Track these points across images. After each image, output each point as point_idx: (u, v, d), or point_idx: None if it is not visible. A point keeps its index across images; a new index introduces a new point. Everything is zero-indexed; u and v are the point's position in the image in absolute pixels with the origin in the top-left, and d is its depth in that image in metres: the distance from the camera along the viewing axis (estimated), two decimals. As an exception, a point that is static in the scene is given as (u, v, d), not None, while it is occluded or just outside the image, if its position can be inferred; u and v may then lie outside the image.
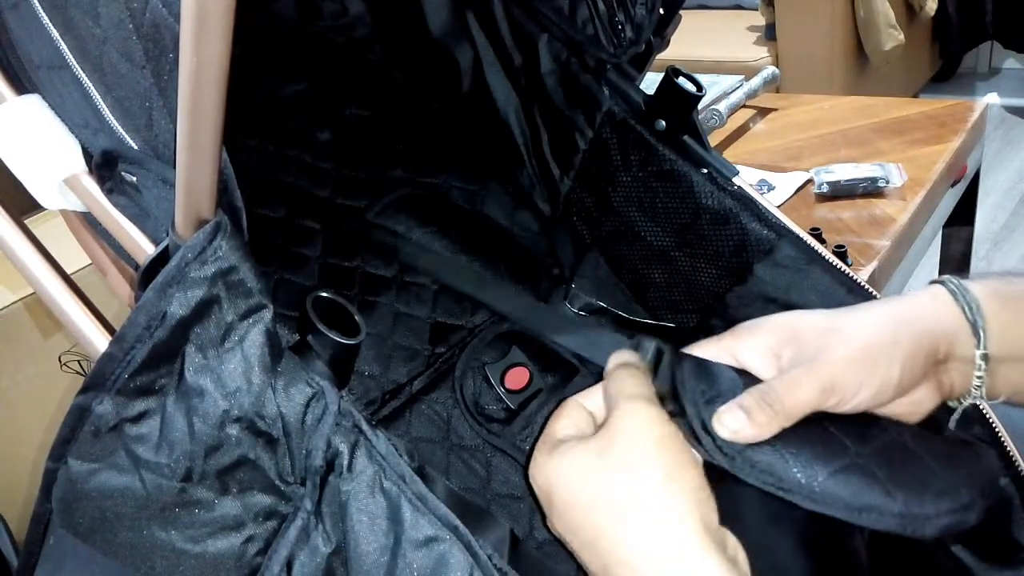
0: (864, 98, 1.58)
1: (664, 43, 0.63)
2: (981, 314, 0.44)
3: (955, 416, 0.47)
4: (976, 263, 1.79)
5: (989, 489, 0.42)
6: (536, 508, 0.65)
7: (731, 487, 0.42)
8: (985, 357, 0.44)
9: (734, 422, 0.40)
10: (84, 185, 0.45)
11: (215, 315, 0.39)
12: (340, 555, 0.38)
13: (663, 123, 0.61)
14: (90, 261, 0.55)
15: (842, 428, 0.42)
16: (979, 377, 0.45)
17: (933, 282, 0.46)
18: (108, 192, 0.45)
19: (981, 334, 0.44)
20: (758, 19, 2.48)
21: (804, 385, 0.41)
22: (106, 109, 0.41)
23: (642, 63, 0.64)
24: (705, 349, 0.45)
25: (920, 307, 0.45)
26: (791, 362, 0.43)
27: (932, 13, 2.57)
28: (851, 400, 0.42)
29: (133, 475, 0.40)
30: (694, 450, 0.41)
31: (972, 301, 0.44)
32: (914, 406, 0.45)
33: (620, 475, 0.38)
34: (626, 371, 0.43)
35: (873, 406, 0.43)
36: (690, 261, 0.62)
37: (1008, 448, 0.52)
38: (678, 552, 0.36)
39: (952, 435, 0.47)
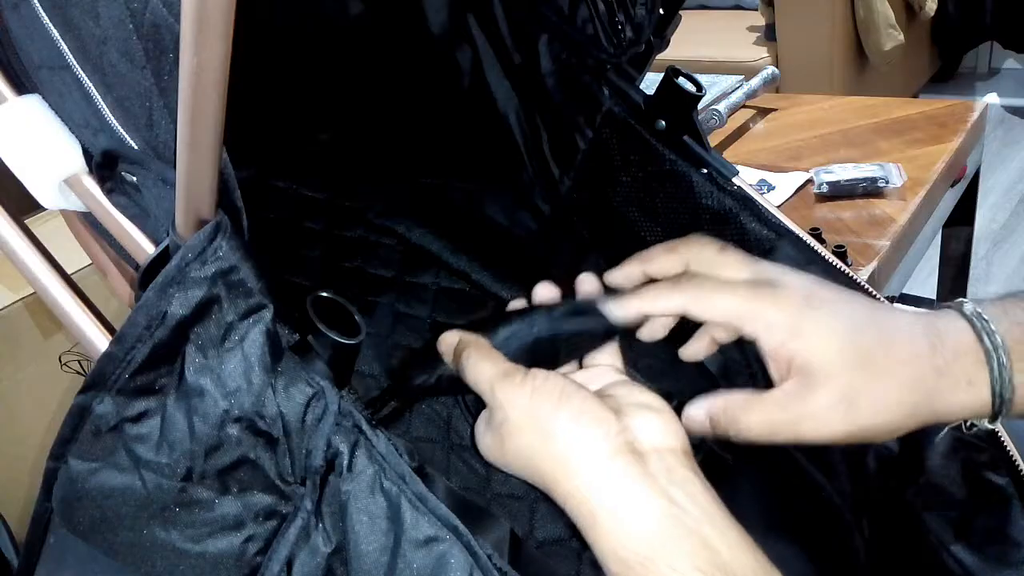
0: (864, 98, 1.59)
1: (664, 43, 0.63)
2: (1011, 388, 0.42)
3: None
4: (976, 263, 1.79)
5: None
6: (534, 508, 0.65)
7: (732, 487, 0.42)
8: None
9: None
10: (84, 185, 0.45)
11: (215, 315, 0.39)
12: (340, 555, 0.38)
13: (663, 123, 0.61)
14: (90, 261, 0.55)
15: None
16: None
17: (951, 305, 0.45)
18: (108, 192, 0.45)
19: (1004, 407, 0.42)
20: (758, 19, 2.48)
21: None
22: (106, 109, 0.41)
23: (642, 63, 0.64)
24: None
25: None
26: None
27: (932, 13, 2.58)
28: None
29: (133, 475, 0.40)
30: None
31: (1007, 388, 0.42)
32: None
33: (520, 448, 0.42)
34: (473, 352, 0.45)
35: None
36: (690, 261, 0.62)
37: (1008, 448, 0.52)
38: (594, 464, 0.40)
39: None
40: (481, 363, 0.44)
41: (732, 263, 0.47)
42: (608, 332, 0.49)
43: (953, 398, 0.42)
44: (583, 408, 0.41)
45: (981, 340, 0.42)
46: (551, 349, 0.48)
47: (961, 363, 0.42)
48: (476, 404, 0.64)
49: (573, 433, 0.41)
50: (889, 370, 0.42)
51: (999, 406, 0.42)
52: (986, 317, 0.43)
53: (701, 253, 0.48)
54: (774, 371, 0.43)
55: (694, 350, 0.50)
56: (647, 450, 0.41)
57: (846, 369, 0.41)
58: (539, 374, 0.43)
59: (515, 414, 0.42)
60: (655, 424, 0.42)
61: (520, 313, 0.49)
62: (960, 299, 0.44)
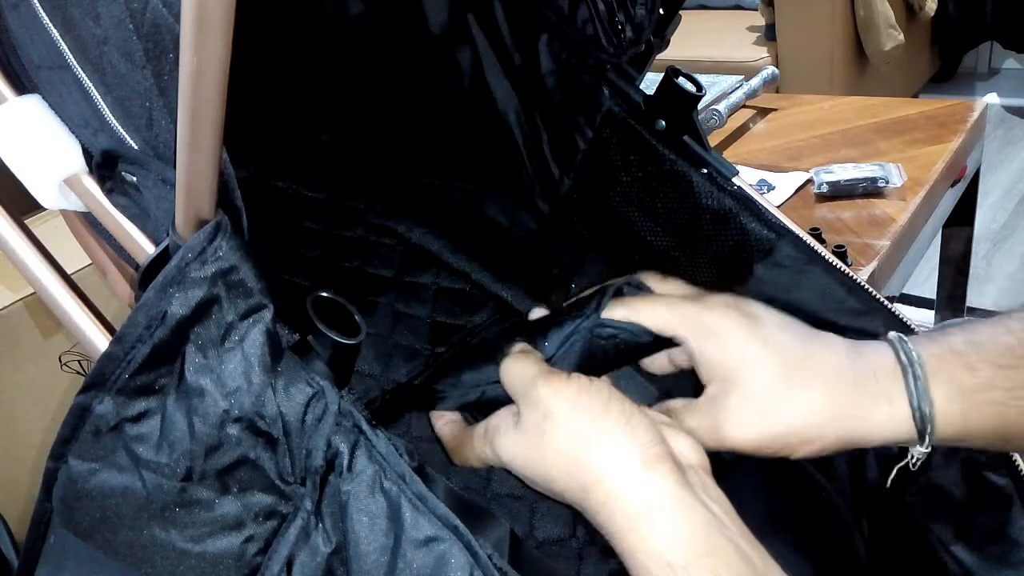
0: (864, 98, 1.58)
1: (664, 43, 0.63)
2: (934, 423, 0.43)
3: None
4: (976, 263, 1.79)
5: None
6: (534, 507, 0.65)
7: (731, 486, 0.42)
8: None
9: None
10: (84, 185, 0.45)
11: (215, 315, 0.39)
12: (340, 555, 0.38)
13: (663, 123, 0.61)
14: (90, 261, 0.55)
15: None
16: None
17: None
18: (108, 192, 0.45)
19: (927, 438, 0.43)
20: (758, 19, 2.48)
21: None
22: (106, 109, 0.41)
23: (642, 63, 0.64)
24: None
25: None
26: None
27: (932, 13, 2.58)
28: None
29: (133, 474, 0.40)
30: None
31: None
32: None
33: (559, 442, 0.42)
34: (516, 358, 0.47)
35: None
36: (690, 261, 0.62)
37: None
38: (628, 477, 0.40)
39: None
40: (525, 361, 0.46)
41: (671, 283, 0.51)
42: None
43: (873, 415, 0.43)
44: (632, 412, 0.42)
45: (898, 357, 0.43)
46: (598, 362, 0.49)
47: (880, 382, 0.43)
48: (475, 405, 0.64)
49: (622, 434, 0.41)
50: (805, 382, 0.43)
51: (921, 421, 0.42)
52: (906, 339, 0.44)
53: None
54: (703, 375, 0.45)
55: (658, 366, 0.53)
56: (684, 464, 0.42)
57: (761, 376, 0.43)
58: (583, 377, 0.44)
59: (560, 409, 0.43)
60: (685, 443, 0.43)
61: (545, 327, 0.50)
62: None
